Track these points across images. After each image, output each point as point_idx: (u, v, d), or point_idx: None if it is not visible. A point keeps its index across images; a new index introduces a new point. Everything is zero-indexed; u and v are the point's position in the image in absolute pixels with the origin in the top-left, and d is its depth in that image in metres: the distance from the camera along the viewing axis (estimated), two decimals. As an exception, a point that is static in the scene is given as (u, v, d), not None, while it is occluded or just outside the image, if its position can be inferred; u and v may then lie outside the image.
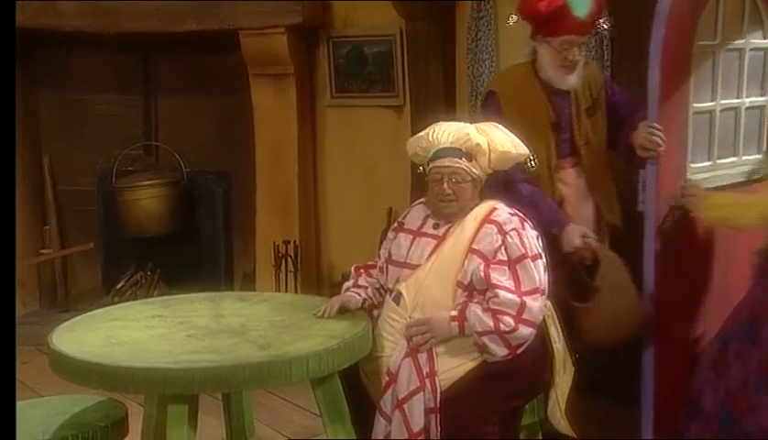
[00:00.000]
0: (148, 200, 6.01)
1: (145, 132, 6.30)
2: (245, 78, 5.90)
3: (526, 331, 3.08)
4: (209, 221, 6.29)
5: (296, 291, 5.73)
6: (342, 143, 6.00)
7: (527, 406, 3.33)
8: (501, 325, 3.05)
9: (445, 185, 3.23)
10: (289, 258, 5.83)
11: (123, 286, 6.13)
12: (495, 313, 3.07)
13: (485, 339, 3.07)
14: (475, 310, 3.09)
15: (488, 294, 3.10)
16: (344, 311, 3.30)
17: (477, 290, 3.13)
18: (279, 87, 5.86)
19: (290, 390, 4.54)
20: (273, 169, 5.94)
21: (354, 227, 5.96)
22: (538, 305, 3.11)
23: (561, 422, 3.29)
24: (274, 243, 5.84)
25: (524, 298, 3.08)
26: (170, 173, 6.17)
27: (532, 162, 3.38)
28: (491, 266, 3.11)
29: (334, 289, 5.72)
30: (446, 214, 3.26)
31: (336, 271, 6.00)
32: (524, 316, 3.07)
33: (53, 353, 3.00)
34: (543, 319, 3.24)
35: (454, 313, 3.12)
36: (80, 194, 6.39)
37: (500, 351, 3.08)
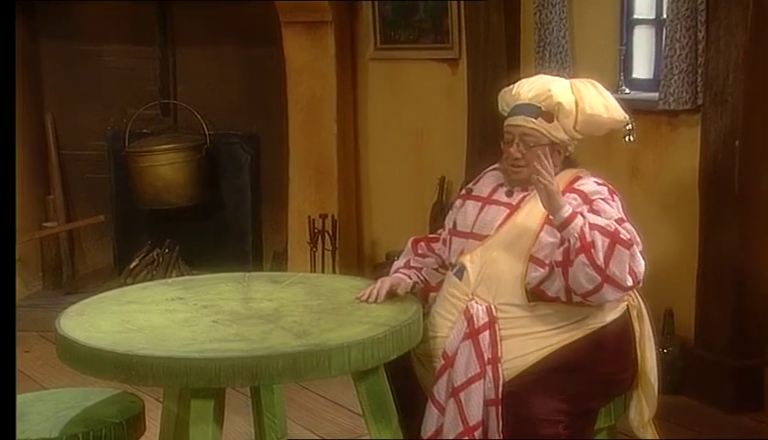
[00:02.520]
0: (165, 167, 6.06)
1: (162, 89, 6.35)
2: (276, 27, 5.91)
3: (628, 278, 2.99)
4: (235, 191, 6.34)
5: (334, 272, 5.75)
6: (387, 102, 6.00)
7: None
8: (621, 236, 2.96)
9: (514, 147, 3.22)
10: (326, 235, 5.86)
11: (137, 265, 6.20)
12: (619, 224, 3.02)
13: (595, 234, 2.96)
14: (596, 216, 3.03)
15: None
16: (392, 295, 3.32)
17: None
18: (316, 37, 5.87)
19: (327, 384, 4.58)
20: (308, 132, 5.96)
21: (400, 200, 5.97)
22: (642, 263, 3.03)
23: (647, 430, 3.28)
24: (309, 217, 5.87)
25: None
26: (191, 136, 6.21)
27: (631, 134, 3.32)
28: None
29: (378, 269, 5.75)
30: (515, 180, 3.26)
31: (380, 250, 6.02)
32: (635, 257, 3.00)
33: (61, 339, 3.04)
34: (628, 310, 3.24)
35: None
36: (88, 160, 6.47)
37: (599, 259, 2.95)
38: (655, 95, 4.71)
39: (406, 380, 3.25)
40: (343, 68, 5.97)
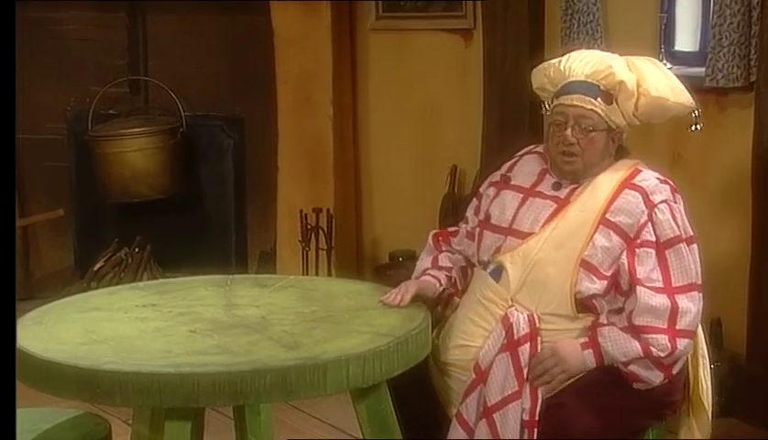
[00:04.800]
0: (134, 153, 6.06)
1: (131, 63, 6.36)
2: (263, -8, 5.93)
3: (683, 344, 3.09)
4: (215, 182, 6.36)
5: (330, 275, 5.77)
6: (391, 79, 6.01)
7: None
8: (653, 350, 3.06)
9: (569, 131, 3.20)
10: (320, 232, 5.86)
11: (102, 266, 6.20)
12: (640, 332, 3.06)
13: (633, 368, 3.09)
14: (610, 333, 3.10)
15: (628, 303, 3.11)
16: (417, 299, 3.29)
17: (621, 290, 3.14)
18: (309, 4, 5.87)
19: (322, 403, 4.59)
20: (300, 113, 5.97)
21: (406, 192, 5.98)
22: (696, 309, 3.11)
23: None
24: (301, 211, 5.88)
25: (677, 298, 3.08)
26: (164, 118, 6.22)
27: (698, 123, 3.32)
28: (636, 252, 3.11)
29: (380, 272, 5.77)
30: (567, 171, 3.25)
31: (382, 249, 6.03)
32: (679, 326, 3.07)
33: (15, 352, 3.05)
34: None
35: (583, 339, 3.13)
36: (45, 145, 6.47)
37: (656, 378, 3.10)
38: (701, 71, 4.71)
39: (418, 397, 3.25)
40: (340, 40, 5.97)
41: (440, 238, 3.50)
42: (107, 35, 6.35)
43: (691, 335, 3.11)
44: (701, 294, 3.15)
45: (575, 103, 3.20)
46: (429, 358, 3.24)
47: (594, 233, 3.13)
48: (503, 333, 3.17)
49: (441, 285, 3.38)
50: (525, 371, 3.12)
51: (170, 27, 6.31)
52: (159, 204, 6.19)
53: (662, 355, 3.06)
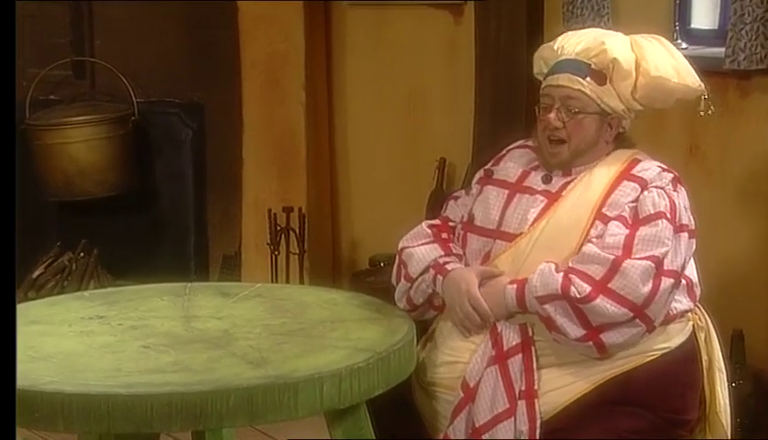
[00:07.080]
0: (79, 145, 6.06)
1: (74, 42, 6.35)
2: (225, -37, 5.94)
3: (611, 307, 3.05)
4: (172, 177, 6.36)
5: (302, 282, 5.79)
6: (371, 61, 6.02)
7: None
8: (572, 288, 3.05)
9: (554, 114, 3.24)
10: (291, 234, 5.87)
11: (42, 274, 6.20)
12: (568, 272, 3.08)
13: (549, 308, 3.07)
14: (543, 268, 3.11)
15: None
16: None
17: None
18: (278, -22, 5.90)
19: (292, 428, 4.59)
20: (268, 100, 5.97)
21: (388, 188, 5.99)
22: (637, 275, 3.05)
23: None
24: (270, 210, 5.88)
25: (625, 260, 3.06)
26: (113, 105, 6.22)
27: (710, 107, 3.33)
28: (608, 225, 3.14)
29: (359, 278, 5.78)
30: (553, 159, 3.27)
31: (362, 252, 6.05)
32: (612, 284, 3.04)
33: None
34: (694, 332, 3.27)
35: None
36: (-22, 136, 6.47)
37: (572, 329, 3.07)
38: (721, 51, 4.73)
39: (400, 419, 3.26)
40: (313, 16, 5.98)
41: (441, 230, 3.46)
42: (48, 9, 6.34)
43: (628, 303, 3.05)
44: (671, 280, 3.10)
45: (561, 83, 3.25)
46: (412, 379, 3.26)
47: (589, 229, 3.16)
48: (490, 344, 3.19)
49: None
50: (517, 387, 3.13)
51: (119, 2, 6.30)
52: (108, 203, 6.19)
53: (578, 296, 3.03)
